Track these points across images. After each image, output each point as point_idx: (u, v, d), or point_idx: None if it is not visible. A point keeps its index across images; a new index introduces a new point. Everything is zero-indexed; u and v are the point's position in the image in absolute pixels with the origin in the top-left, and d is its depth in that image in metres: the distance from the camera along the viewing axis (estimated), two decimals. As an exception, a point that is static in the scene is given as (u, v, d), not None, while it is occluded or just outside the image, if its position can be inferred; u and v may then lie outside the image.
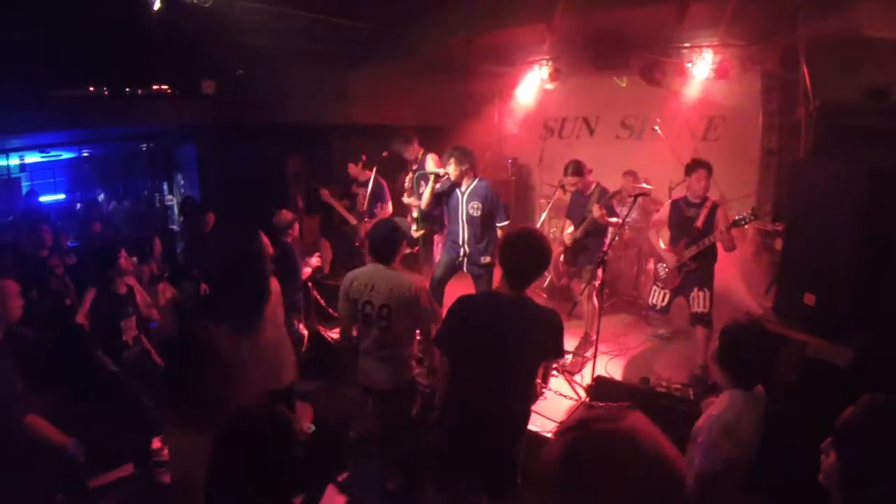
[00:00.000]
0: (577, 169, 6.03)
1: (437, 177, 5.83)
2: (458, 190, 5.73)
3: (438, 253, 6.68)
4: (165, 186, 10.25)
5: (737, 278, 5.97)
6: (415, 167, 6.76)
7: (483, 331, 2.85)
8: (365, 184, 7.12)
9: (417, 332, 3.95)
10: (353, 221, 7.13)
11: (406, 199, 6.78)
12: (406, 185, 6.73)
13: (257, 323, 3.88)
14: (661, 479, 1.20)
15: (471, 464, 2.93)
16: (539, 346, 2.82)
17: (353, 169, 7.22)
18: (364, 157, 7.20)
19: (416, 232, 6.64)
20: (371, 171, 7.04)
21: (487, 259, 5.69)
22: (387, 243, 3.80)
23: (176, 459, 4.39)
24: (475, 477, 2.94)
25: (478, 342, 2.85)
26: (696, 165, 5.30)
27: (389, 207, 7.20)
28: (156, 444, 4.46)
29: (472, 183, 5.69)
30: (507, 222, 5.80)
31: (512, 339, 2.75)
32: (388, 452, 4.13)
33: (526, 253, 2.84)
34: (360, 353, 3.91)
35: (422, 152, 6.82)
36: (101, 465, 4.61)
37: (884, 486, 1.65)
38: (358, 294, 3.78)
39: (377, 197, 7.07)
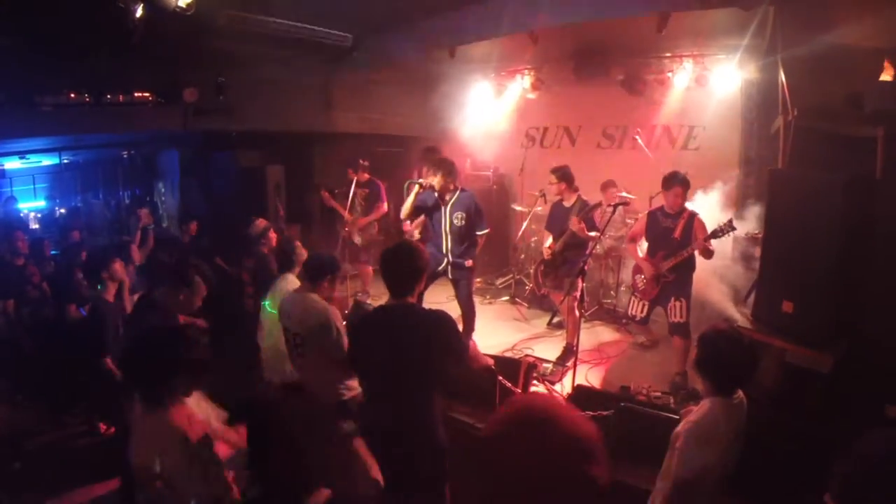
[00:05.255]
0: (564, 175, 6.07)
1: (422, 187, 5.77)
2: (441, 201, 5.75)
3: None
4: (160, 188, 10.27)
5: (716, 286, 5.99)
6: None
7: (380, 342, 3.04)
8: (363, 185, 7.65)
9: None
10: (348, 217, 7.57)
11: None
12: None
13: None
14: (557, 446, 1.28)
15: (395, 461, 3.05)
16: (433, 345, 2.98)
17: (353, 174, 7.61)
18: (364, 162, 7.62)
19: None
20: (368, 174, 7.65)
21: (469, 263, 5.77)
22: (317, 268, 3.93)
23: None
24: (401, 472, 3.03)
25: (378, 354, 3.04)
26: (672, 182, 5.29)
27: (385, 207, 7.73)
28: None
29: (455, 194, 5.73)
30: (487, 230, 5.89)
31: (404, 343, 2.97)
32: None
33: (399, 266, 3.11)
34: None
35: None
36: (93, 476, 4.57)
37: None
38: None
39: (376, 197, 7.66)
